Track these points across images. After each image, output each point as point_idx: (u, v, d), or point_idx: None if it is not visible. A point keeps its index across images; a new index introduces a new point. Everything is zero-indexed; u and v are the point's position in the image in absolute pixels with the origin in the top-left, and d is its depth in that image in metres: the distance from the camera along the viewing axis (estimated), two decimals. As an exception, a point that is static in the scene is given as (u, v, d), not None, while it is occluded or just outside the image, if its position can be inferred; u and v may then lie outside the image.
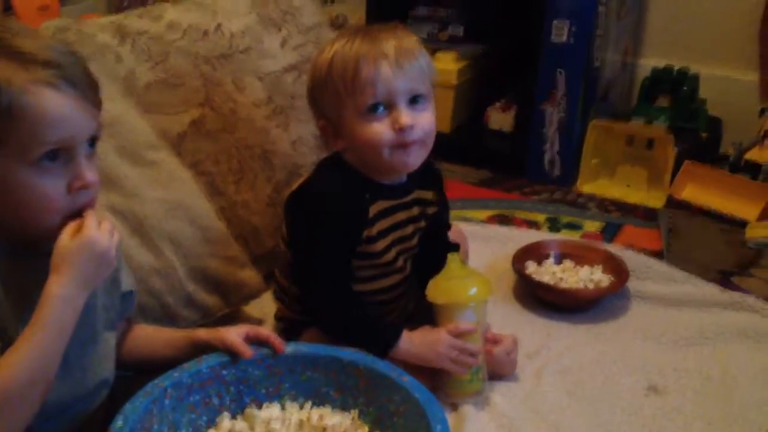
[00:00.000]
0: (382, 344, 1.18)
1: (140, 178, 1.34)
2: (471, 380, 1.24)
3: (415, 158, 1.23)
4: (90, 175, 0.90)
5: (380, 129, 1.19)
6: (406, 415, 1.02)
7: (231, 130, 1.57)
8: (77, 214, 0.91)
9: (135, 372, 1.06)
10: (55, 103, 0.87)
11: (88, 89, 0.91)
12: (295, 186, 1.30)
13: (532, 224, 1.94)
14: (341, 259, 1.24)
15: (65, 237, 0.90)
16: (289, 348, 1.09)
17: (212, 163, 1.52)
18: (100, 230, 0.91)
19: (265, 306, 1.44)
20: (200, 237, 1.38)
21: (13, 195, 0.88)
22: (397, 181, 1.28)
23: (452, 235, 1.41)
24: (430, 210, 1.34)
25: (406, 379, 1.04)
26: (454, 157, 2.23)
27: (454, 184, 2.09)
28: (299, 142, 1.66)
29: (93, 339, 1.01)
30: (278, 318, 1.37)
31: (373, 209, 1.25)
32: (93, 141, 0.92)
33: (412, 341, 1.21)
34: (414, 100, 1.21)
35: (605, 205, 2.09)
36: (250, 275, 1.44)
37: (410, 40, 1.22)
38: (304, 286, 1.26)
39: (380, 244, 1.26)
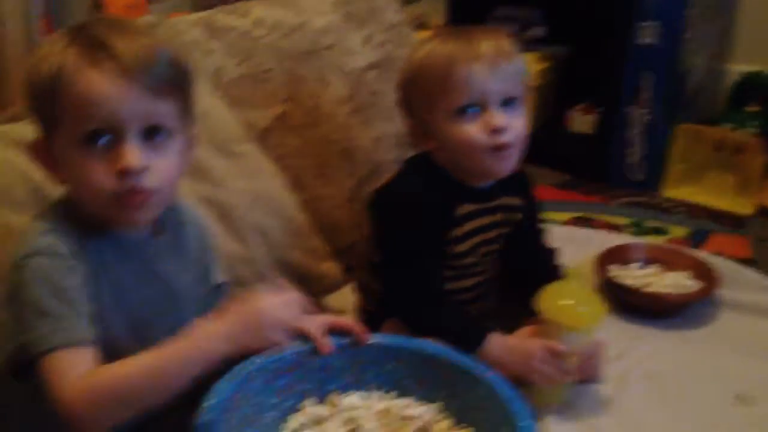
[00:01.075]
0: (469, 344, 1.15)
1: (228, 169, 1.36)
2: (558, 392, 1.21)
3: (509, 164, 1.21)
4: (133, 160, 0.86)
5: (472, 131, 1.17)
6: (489, 410, 1.00)
7: (314, 126, 1.58)
8: (127, 199, 0.89)
9: None
10: (99, 83, 0.85)
11: (154, 79, 0.88)
12: (380, 184, 1.29)
13: (615, 228, 1.90)
14: (428, 258, 1.22)
15: (266, 301, 0.93)
16: (373, 339, 1.09)
17: (295, 157, 1.54)
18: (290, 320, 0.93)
19: (345, 298, 1.44)
20: (283, 228, 1.40)
21: (68, 174, 0.90)
22: (483, 185, 1.26)
23: None
24: (515, 217, 1.32)
25: (490, 375, 1.02)
26: (534, 159, 2.17)
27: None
28: (381, 140, 1.67)
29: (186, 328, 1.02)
30: (359, 310, 1.37)
31: (460, 211, 1.24)
32: (151, 131, 0.90)
33: (504, 347, 1.17)
34: (507, 103, 1.19)
35: (692, 210, 2.03)
36: (330, 268, 1.45)
37: (506, 42, 1.20)
38: (390, 284, 1.25)
39: (464, 246, 1.25)
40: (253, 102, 1.53)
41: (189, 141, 0.98)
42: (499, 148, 1.18)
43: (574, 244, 1.74)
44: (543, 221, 1.40)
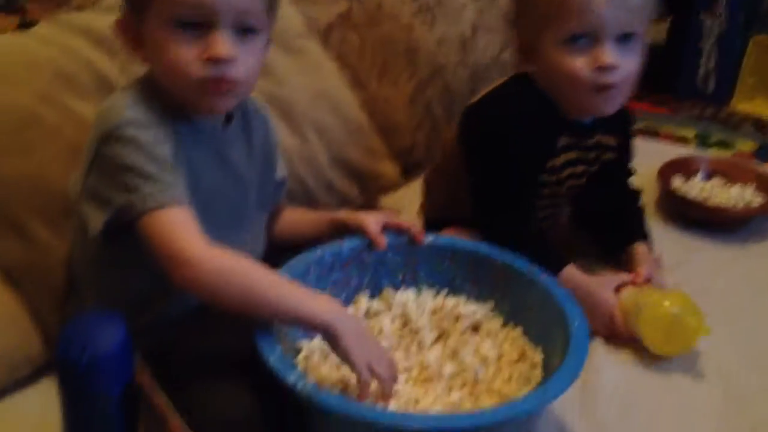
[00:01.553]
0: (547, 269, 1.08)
1: (289, 66, 1.36)
2: None
3: (613, 105, 1.14)
4: (224, 48, 0.88)
5: (578, 64, 1.09)
6: (541, 310, 1.01)
7: (376, 25, 1.56)
8: (212, 86, 0.90)
9: (283, 250, 1.09)
10: None
11: None
12: (480, 95, 1.23)
13: (680, 140, 1.86)
14: (524, 180, 1.18)
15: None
16: (428, 238, 1.10)
17: (357, 57, 1.53)
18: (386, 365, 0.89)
19: (401, 199, 1.45)
20: (343, 127, 1.40)
21: (157, 55, 0.90)
22: (584, 119, 1.20)
23: None
24: (607, 155, 1.26)
25: (544, 277, 1.03)
26: (600, 68, 2.14)
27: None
28: (443, 42, 1.64)
29: (249, 219, 1.05)
30: (421, 213, 1.37)
31: (559, 142, 1.18)
32: (241, 26, 0.90)
33: (580, 283, 1.13)
34: (623, 39, 1.09)
35: (761, 125, 1.97)
36: (388, 168, 1.46)
37: None
38: (481, 199, 1.20)
39: (551, 178, 1.21)
40: (317, -2, 1.51)
41: (268, 40, 0.99)
42: (603, 88, 1.10)
43: (638, 155, 1.71)
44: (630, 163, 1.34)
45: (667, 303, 1.11)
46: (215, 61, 0.88)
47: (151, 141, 0.88)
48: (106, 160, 0.88)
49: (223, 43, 0.88)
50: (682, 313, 1.11)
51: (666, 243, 1.40)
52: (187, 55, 0.88)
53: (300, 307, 0.86)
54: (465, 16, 1.67)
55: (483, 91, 1.24)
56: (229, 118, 1.01)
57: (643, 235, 1.28)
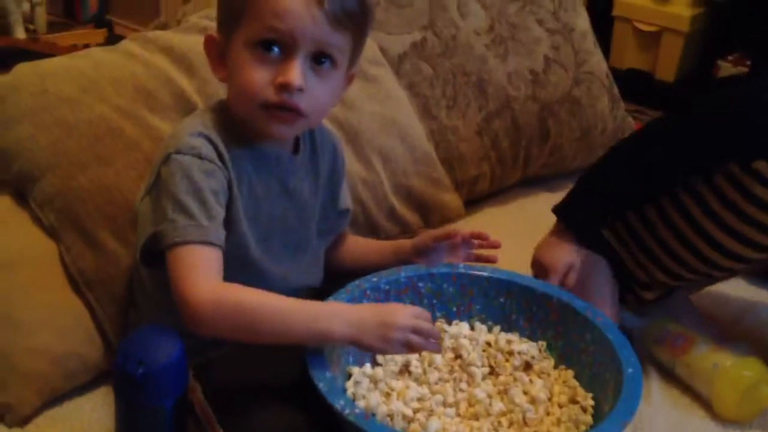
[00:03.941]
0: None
1: (360, 92, 1.38)
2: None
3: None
4: (295, 78, 0.89)
5: None
6: (595, 353, 1.00)
7: (450, 56, 1.57)
8: (277, 112, 0.92)
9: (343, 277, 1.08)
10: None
11: (340, 11, 0.91)
12: None
13: None
14: None
15: (402, 308, 0.92)
16: (486, 272, 1.10)
17: (428, 86, 1.54)
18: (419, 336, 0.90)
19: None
20: (409, 156, 1.41)
21: (233, 75, 0.94)
22: None
23: None
24: None
25: (601, 320, 1.02)
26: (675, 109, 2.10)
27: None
28: (515, 75, 1.64)
29: (307, 246, 1.06)
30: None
31: None
32: (319, 57, 0.92)
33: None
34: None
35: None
36: (451, 199, 1.46)
37: None
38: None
39: None
40: (392, 27, 1.53)
41: (348, 78, 1.01)
42: None
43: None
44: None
45: (745, 367, 1.09)
46: (285, 87, 0.90)
47: (203, 173, 0.90)
48: (160, 180, 0.92)
49: (296, 71, 0.90)
50: (760, 380, 1.08)
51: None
52: (261, 77, 0.90)
53: (310, 329, 0.88)
54: (538, 51, 1.67)
55: None
56: (297, 146, 1.03)
57: None
